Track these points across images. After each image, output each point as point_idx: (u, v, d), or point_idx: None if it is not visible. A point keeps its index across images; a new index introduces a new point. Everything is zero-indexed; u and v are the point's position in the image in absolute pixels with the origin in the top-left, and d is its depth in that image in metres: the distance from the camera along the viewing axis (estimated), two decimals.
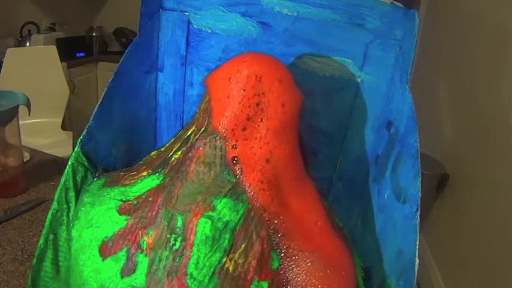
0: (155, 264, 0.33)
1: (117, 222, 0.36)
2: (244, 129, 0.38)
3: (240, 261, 0.34)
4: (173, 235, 0.34)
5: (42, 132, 1.84)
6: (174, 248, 0.34)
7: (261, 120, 0.38)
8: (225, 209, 0.36)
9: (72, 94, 2.17)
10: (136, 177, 0.40)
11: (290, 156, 0.39)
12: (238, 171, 0.37)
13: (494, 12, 1.38)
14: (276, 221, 0.37)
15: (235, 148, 0.37)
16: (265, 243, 0.36)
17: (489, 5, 1.44)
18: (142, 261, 0.33)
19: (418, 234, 0.32)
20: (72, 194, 0.39)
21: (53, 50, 1.98)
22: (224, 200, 0.36)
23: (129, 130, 0.51)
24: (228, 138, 0.38)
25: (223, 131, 0.38)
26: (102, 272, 0.34)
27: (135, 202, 0.37)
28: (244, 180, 0.37)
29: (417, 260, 0.31)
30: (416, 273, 0.30)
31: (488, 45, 1.40)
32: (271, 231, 0.36)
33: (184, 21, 0.53)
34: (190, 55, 0.55)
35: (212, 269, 0.33)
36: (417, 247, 0.31)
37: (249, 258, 0.34)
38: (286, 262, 0.36)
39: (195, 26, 0.53)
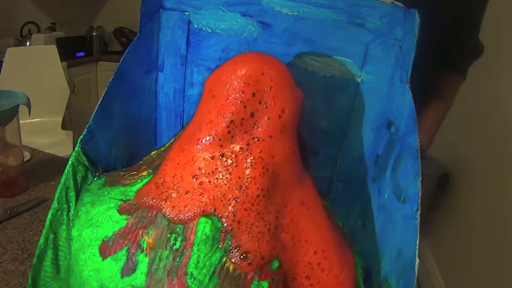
0: (155, 263, 0.33)
1: (117, 222, 0.36)
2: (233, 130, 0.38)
3: None
4: (173, 235, 0.34)
5: (42, 131, 1.84)
6: (174, 247, 0.34)
7: (263, 118, 0.38)
8: None
9: (72, 94, 2.17)
10: (137, 177, 0.40)
11: (288, 155, 0.39)
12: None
13: (493, 12, 1.38)
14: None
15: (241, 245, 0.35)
16: None
17: (488, 5, 1.43)
18: (143, 260, 0.33)
19: (418, 234, 0.32)
20: (72, 193, 0.39)
21: (53, 49, 1.99)
22: None
23: (129, 130, 0.51)
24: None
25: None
26: (103, 272, 0.34)
27: (135, 202, 0.37)
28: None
29: (417, 260, 0.31)
30: (416, 273, 0.30)
31: (488, 45, 1.40)
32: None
33: (185, 21, 0.53)
34: (191, 55, 0.55)
35: (212, 269, 0.33)
36: (417, 247, 0.31)
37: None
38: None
39: (195, 26, 0.53)
